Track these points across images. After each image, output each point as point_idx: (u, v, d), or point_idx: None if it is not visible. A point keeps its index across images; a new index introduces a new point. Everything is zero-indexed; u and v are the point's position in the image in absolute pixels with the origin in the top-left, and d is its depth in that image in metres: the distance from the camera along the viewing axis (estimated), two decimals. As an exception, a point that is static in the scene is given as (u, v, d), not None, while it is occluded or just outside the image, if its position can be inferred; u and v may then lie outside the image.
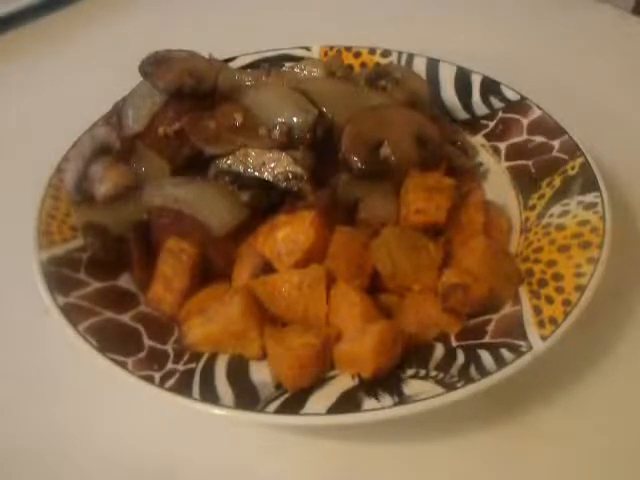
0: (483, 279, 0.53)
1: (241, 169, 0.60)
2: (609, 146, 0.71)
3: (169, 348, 0.53)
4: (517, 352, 0.48)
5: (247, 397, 0.48)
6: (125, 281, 0.59)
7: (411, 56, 0.79)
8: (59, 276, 0.56)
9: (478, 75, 0.75)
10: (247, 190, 0.59)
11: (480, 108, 0.75)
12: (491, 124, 0.73)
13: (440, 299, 0.53)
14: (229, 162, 0.60)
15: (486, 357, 0.49)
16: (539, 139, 0.68)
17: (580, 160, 0.63)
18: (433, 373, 0.49)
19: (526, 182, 0.66)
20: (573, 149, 0.64)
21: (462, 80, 0.76)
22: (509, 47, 0.95)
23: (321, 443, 0.52)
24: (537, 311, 0.52)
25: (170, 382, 0.48)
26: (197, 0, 1.08)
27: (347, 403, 0.47)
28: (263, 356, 0.52)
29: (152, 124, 0.63)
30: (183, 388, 0.48)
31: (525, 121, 0.70)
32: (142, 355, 0.51)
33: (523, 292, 0.55)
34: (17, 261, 0.58)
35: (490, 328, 0.53)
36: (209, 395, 0.48)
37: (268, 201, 0.59)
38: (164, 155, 0.62)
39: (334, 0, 1.05)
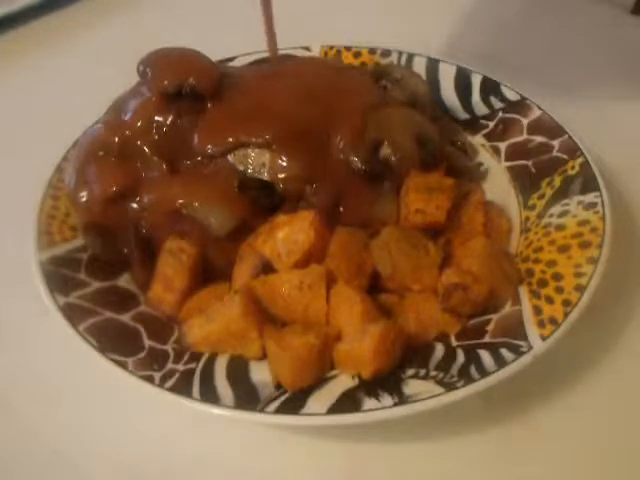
0: (483, 279, 0.53)
1: (241, 169, 0.60)
2: (609, 146, 0.71)
3: (169, 348, 0.53)
4: (517, 352, 0.49)
5: (247, 397, 0.48)
6: (125, 281, 0.59)
7: (411, 56, 0.79)
8: (59, 276, 0.56)
9: (478, 75, 0.75)
10: (247, 190, 0.59)
11: (480, 108, 0.75)
12: (491, 124, 0.73)
13: (440, 299, 0.53)
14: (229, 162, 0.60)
15: (486, 357, 0.49)
16: (539, 139, 0.68)
17: (580, 160, 0.63)
18: (433, 373, 0.49)
19: (526, 182, 0.66)
20: (573, 149, 0.64)
21: (462, 80, 0.76)
22: (509, 47, 0.95)
23: (321, 443, 0.52)
24: (537, 311, 0.52)
25: (170, 382, 0.48)
26: (197, 0, 1.08)
27: (347, 403, 0.47)
28: (263, 356, 0.52)
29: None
30: (183, 388, 0.48)
31: (525, 121, 0.70)
32: (142, 355, 0.51)
33: (523, 292, 0.55)
34: (17, 261, 0.58)
35: (490, 328, 0.53)
36: (209, 395, 0.48)
37: (268, 201, 0.59)
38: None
39: (334, 0, 1.05)
